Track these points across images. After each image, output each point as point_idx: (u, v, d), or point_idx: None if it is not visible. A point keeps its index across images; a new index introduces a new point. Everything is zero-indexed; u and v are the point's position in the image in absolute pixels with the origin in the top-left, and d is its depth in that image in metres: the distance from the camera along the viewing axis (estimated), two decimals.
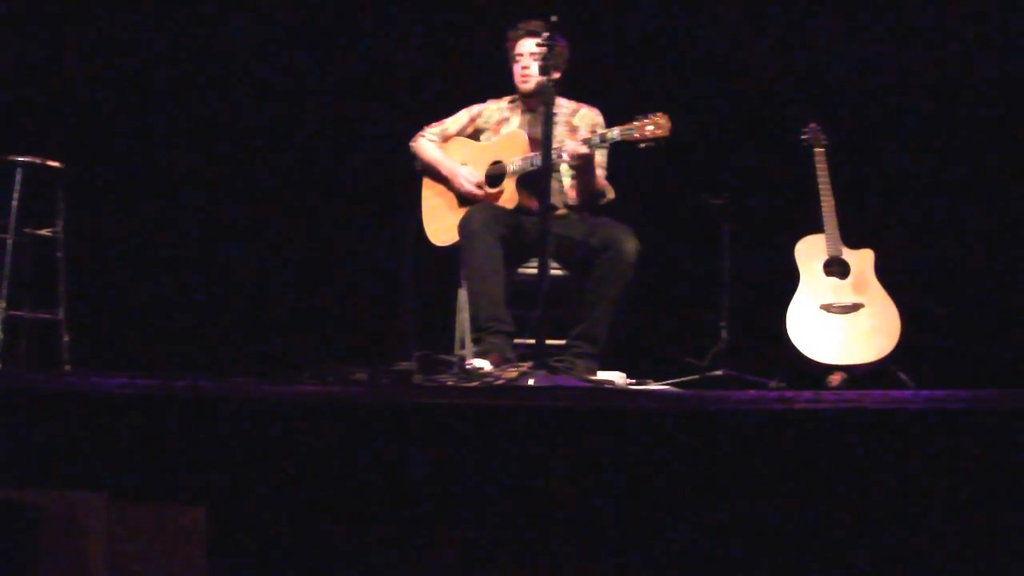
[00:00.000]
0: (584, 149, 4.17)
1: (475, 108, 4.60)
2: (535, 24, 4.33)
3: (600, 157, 4.37)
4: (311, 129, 5.71)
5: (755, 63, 5.53)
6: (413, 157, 4.58)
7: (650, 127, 4.05)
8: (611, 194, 4.41)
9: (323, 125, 5.71)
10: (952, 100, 5.38)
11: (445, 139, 4.57)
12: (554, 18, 3.98)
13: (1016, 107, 5.29)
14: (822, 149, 4.74)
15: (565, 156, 4.19)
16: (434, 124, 4.58)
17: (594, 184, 4.33)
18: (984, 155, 5.35)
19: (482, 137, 4.56)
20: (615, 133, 4.14)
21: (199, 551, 2.69)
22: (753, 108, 5.51)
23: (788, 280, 4.57)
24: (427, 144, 4.55)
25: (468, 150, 4.53)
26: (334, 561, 2.86)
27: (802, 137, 4.78)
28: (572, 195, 4.39)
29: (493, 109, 4.58)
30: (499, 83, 4.58)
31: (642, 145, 4.08)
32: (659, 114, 4.05)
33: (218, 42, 5.64)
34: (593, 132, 4.33)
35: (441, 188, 4.51)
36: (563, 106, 4.48)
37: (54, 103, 5.56)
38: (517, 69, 4.45)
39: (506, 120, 4.53)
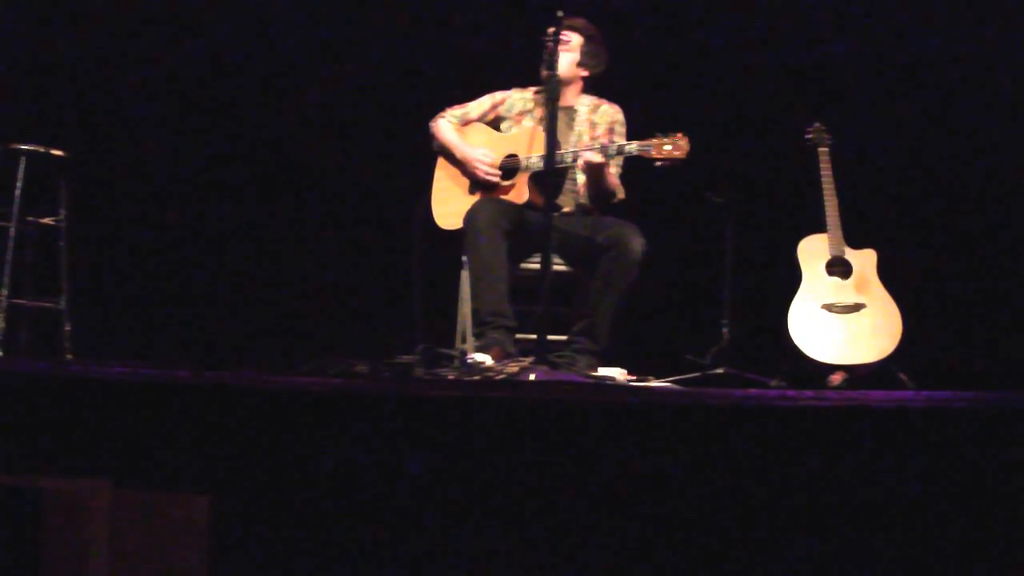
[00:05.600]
0: (599, 158, 4.16)
1: (498, 95, 4.54)
2: (578, 21, 4.36)
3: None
4: (315, 118, 5.70)
5: (760, 61, 5.53)
6: (431, 137, 4.53)
7: (668, 147, 4.03)
8: (621, 194, 4.39)
9: (327, 117, 5.70)
10: (956, 100, 5.39)
11: (465, 123, 4.52)
12: (560, 14, 3.98)
13: (1020, 106, 5.29)
14: (826, 149, 4.74)
15: (580, 162, 4.18)
16: (456, 107, 4.54)
17: (606, 185, 4.31)
18: (988, 155, 5.35)
19: (502, 126, 4.50)
20: (633, 147, 4.13)
21: (201, 539, 2.70)
22: (758, 107, 5.52)
23: (790, 279, 4.57)
24: (446, 126, 4.51)
25: (486, 138, 4.47)
26: (335, 551, 2.86)
27: (806, 136, 4.78)
28: (583, 193, 4.38)
29: (517, 98, 4.52)
30: (525, 73, 4.49)
31: (658, 163, 4.07)
32: (679, 135, 4.03)
33: (223, 25, 5.62)
34: (611, 139, 4.32)
35: (455, 172, 4.47)
36: (585, 103, 4.46)
37: (58, 92, 5.56)
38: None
39: (529, 112, 4.46)
